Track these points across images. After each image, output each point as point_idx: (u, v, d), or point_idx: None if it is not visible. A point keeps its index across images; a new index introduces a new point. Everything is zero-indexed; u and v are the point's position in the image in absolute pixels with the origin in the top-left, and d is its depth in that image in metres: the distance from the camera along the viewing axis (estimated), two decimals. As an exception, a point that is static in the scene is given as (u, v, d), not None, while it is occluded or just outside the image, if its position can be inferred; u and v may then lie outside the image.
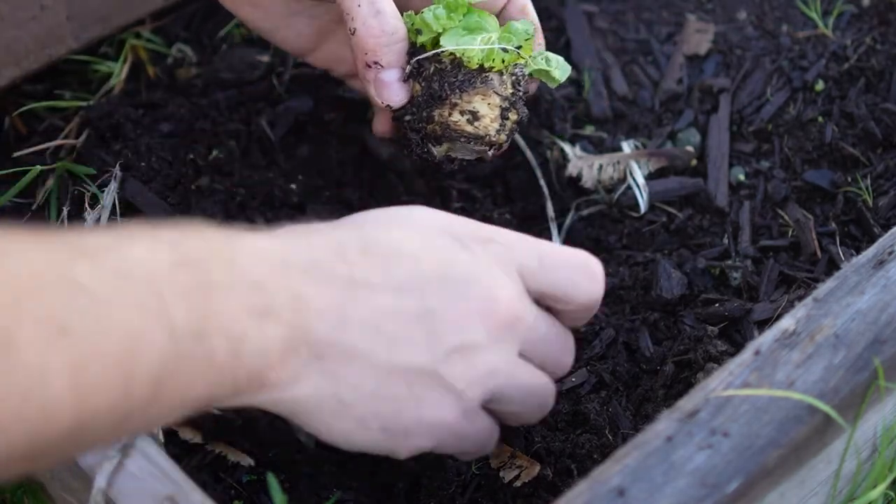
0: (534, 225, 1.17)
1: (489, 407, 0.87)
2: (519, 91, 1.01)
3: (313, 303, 0.77)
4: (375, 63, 0.99)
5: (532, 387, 0.88)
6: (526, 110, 1.02)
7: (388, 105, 1.00)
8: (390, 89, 1.00)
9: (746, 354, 0.87)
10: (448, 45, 0.98)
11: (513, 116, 1.01)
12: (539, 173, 1.19)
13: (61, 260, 0.67)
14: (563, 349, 0.91)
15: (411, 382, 0.80)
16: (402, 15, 0.99)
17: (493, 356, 0.83)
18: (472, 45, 0.98)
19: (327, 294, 0.77)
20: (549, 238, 1.15)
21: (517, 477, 0.95)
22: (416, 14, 1.00)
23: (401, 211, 0.87)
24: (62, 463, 0.72)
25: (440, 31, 0.98)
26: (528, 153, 1.20)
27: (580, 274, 0.90)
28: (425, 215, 0.86)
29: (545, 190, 1.18)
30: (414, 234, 0.84)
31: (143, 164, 1.13)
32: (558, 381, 0.96)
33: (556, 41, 1.32)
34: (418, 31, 0.99)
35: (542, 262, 0.88)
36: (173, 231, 0.73)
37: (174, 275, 0.70)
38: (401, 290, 0.80)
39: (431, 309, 0.80)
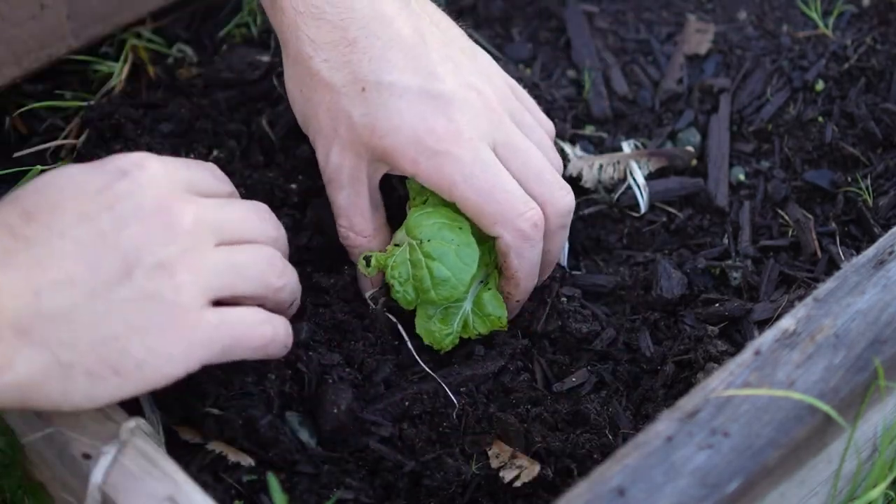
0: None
1: (239, 301, 0.89)
2: None
3: (1, 285, 0.77)
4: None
5: (249, 258, 0.90)
6: None
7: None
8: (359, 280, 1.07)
9: (746, 354, 0.87)
10: (421, 331, 1.03)
11: None
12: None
13: None
14: (261, 217, 0.95)
15: (125, 315, 0.80)
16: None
17: (193, 259, 0.85)
18: (442, 344, 1.03)
19: (12, 273, 0.78)
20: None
21: (517, 477, 0.95)
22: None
23: (51, 172, 0.87)
24: None
25: (411, 308, 1.03)
26: None
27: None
28: (76, 168, 0.87)
29: None
30: (72, 181, 0.84)
31: (143, 163, 1.13)
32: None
33: (557, 41, 1.32)
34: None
35: (202, 179, 0.93)
36: None
37: None
38: (76, 238, 0.81)
39: (113, 242, 0.81)
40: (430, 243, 1.00)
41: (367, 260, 1.02)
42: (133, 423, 0.86)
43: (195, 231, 0.86)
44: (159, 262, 0.83)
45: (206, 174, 0.94)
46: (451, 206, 1.02)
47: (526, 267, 1.02)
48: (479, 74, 1.03)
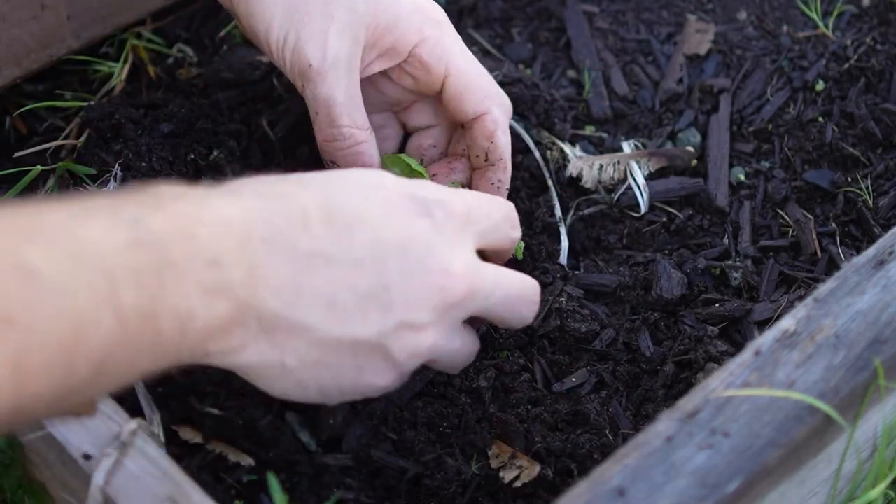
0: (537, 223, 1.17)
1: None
2: None
3: (270, 278, 0.78)
4: (332, 163, 1.03)
5: (463, 352, 0.91)
6: None
7: None
8: None
9: (747, 354, 0.87)
10: None
11: None
12: (547, 174, 1.19)
13: (13, 243, 0.67)
14: (522, 302, 0.92)
15: (356, 353, 0.82)
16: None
17: (438, 331, 0.85)
18: None
19: (285, 268, 0.78)
20: (559, 240, 1.15)
21: (517, 477, 0.95)
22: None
23: (368, 175, 0.87)
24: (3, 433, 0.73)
25: None
26: (537, 154, 1.20)
27: (508, 225, 0.95)
28: (390, 178, 0.87)
29: (553, 190, 1.18)
30: (378, 197, 0.84)
31: (143, 164, 1.13)
32: None
33: (557, 41, 1.32)
34: None
35: (489, 220, 0.91)
36: (134, 204, 0.73)
37: (129, 256, 0.71)
38: (359, 263, 0.81)
39: (387, 284, 0.81)
40: None
41: None
42: (134, 424, 0.86)
43: (456, 307, 0.86)
44: (414, 322, 0.83)
45: (502, 224, 0.93)
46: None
47: (508, 145, 1.07)
48: None
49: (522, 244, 1.09)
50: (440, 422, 0.99)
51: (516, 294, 0.91)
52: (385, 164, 1.07)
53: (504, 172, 1.07)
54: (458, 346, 0.89)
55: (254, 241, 0.77)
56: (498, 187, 1.07)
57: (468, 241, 0.87)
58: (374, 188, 0.85)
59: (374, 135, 1.04)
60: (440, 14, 1.04)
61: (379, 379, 0.84)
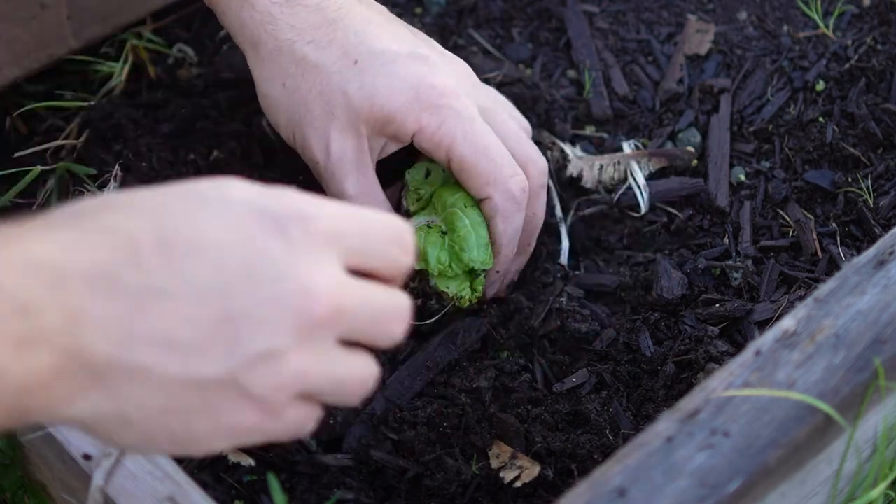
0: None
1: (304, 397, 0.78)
2: None
3: (94, 321, 0.69)
4: None
5: (348, 377, 0.78)
6: None
7: None
8: None
9: (747, 355, 0.87)
10: (441, 286, 1.03)
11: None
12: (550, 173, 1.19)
13: None
14: (391, 319, 0.79)
15: (205, 394, 0.72)
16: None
17: (304, 358, 0.74)
18: (463, 299, 1.04)
19: (112, 308, 0.69)
20: (559, 240, 1.15)
21: (518, 477, 0.95)
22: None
23: (211, 187, 0.76)
24: None
25: (435, 273, 1.03)
26: None
27: (396, 248, 0.81)
28: (239, 192, 0.76)
29: (554, 190, 1.18)
30: (222, 218, 0.74)
31: (143, 164, 1.13)
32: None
33: (557, 41, 1.32)
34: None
35: (365, 239, 0.79)
36: None
37: None
38: (200, 293, 0.71)
39: (233, 314, 0.72)
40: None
41: None
42: (133, 423, 0.86)
43: (321, 328, 0.75)
44: (270, 351, 0.72)
45: (385, 246, 0.80)
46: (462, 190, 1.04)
47: (509, 232, 1.04)
48: (442, 51, 1.08)
49: (476, 292, 1.04)
50: (440, 422, 0.99)
51: (385, 310, 0.79)
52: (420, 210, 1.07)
53: (496, 256, 1.03)
54: (341, 372, 0.76)
55: (70, 282, 0.68)
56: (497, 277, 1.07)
57: (333, 259, 0.76)
58: (217, 207, 0.74)
59: None
60: (443, 98, 1.01)
61: (243, 418, 0.73)
